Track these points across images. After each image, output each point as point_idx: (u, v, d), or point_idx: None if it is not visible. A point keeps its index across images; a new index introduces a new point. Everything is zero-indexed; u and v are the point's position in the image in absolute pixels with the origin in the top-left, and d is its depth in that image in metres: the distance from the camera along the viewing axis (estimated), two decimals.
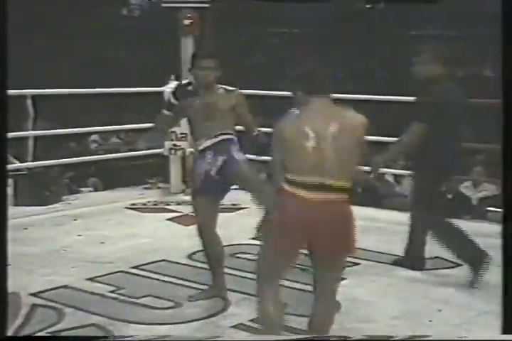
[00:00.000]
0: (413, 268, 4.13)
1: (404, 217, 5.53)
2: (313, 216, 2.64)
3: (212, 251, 3.69)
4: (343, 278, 3.90)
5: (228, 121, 3.60)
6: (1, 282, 2.40)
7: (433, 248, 4.29)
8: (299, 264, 4.24)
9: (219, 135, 3.57)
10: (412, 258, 4.17)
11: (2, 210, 2.41)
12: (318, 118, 2.69)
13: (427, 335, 3.19)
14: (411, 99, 4.22)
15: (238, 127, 3.72)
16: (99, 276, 4.01)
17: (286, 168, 2.68)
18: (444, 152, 3.93)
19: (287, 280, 3.95)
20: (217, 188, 3.61)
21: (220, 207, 4.56)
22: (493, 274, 3.89)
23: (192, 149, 3.69)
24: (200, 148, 3.58)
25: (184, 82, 3.73)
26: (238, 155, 3.58)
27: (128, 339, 2.94)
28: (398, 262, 4.24)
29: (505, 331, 2.46)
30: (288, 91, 2.86)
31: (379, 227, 5.05)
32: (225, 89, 3.65)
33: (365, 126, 2.71)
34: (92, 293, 3.76)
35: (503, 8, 2.52)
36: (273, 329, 2.81)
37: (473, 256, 3.93)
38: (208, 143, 3.56)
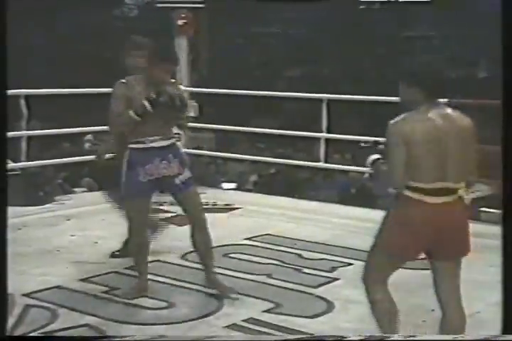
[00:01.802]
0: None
1: None
2: (439, 219, 2.68)
3: (143, 259, 3.70)
4: (336, 279, 3.93)
5: (174, 118, 3.56)
6: (1, 281, 2.41)
7: None
8: (293, 264, 4.26)
9: (172, 137, 3.57)
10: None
11: (2, 209, 2.42)
12: (439, 122, 2.66)
13: (421, 335, 3.20)
14: None
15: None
16: (92, 277, 4.00)
17: (407, 173, 2.66)
18: None
19: (281, 280, 3.97)
20: (155, 189, 3.65)
21: (215, 207, 4.57)
22: (486, 274, 3.90)
23: (131, 144, 3.57)
24: (153, 145, 3.51)
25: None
26: (190, 172, 3.62)
27: (127, 339, 2.95)
28: (115, 255, 4.30)
29: (505, 331, 2.45)
30: (406, 92, 2.72)
31: (372, 227, 5.04)
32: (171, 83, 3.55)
33: (474, 129, 2.73)
34: (86, 294, 3.75)
35: (503, 8, 2.52)
36: (390, 327, 2.90)
37: None
38: (163, 143, 3.53)
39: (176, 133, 3.69)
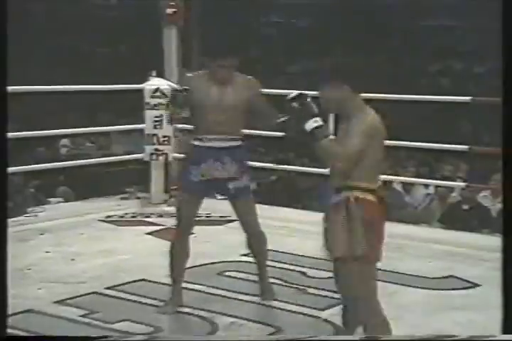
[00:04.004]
0: None
1: (413, 230, 5.55)
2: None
3: (181, 264, 3.84)
4: None
5: (242, 118, 3.73)
6: (1, 281, 2.51)
7: (447, 265, 4.30)
8: (296, 284, 4.26)
9: (235, 139, 3.72)
10: None
11: (2, 207, 2.55)
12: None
13: (415, 335, 3.22)
14: (421, 97, 4.22)
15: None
16: (69, 298, 3.99)
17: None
18: None
19: (283, 302, 3.96)
20: (207, 190, 3.84)
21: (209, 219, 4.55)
22: None
23: (193, 140, 3.79)
24: (210, 144, 3.69)
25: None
26: (250, 181, 3.89)
27: (127, 339, 2.97)
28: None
29: (505, 331, 2.55)
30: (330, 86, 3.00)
31: (385, 242, 5.04)
32: (241, 78, 3.72)
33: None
34: (61, 318, 3.74)
35: (503, 7, 2.62)
36: None
37: None
38: (223, 143, 3.69)
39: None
